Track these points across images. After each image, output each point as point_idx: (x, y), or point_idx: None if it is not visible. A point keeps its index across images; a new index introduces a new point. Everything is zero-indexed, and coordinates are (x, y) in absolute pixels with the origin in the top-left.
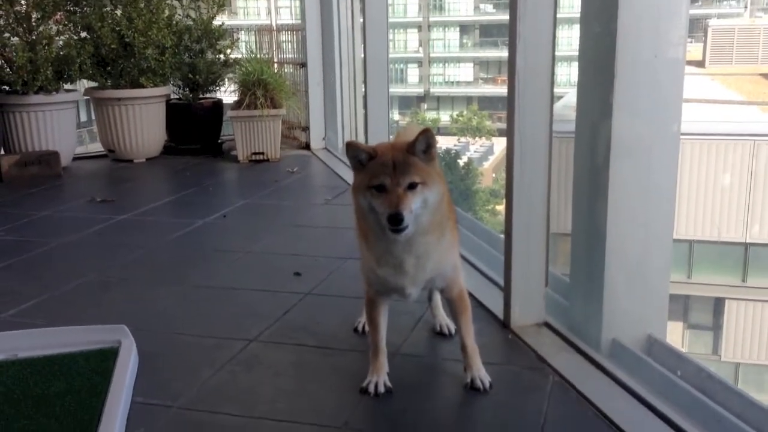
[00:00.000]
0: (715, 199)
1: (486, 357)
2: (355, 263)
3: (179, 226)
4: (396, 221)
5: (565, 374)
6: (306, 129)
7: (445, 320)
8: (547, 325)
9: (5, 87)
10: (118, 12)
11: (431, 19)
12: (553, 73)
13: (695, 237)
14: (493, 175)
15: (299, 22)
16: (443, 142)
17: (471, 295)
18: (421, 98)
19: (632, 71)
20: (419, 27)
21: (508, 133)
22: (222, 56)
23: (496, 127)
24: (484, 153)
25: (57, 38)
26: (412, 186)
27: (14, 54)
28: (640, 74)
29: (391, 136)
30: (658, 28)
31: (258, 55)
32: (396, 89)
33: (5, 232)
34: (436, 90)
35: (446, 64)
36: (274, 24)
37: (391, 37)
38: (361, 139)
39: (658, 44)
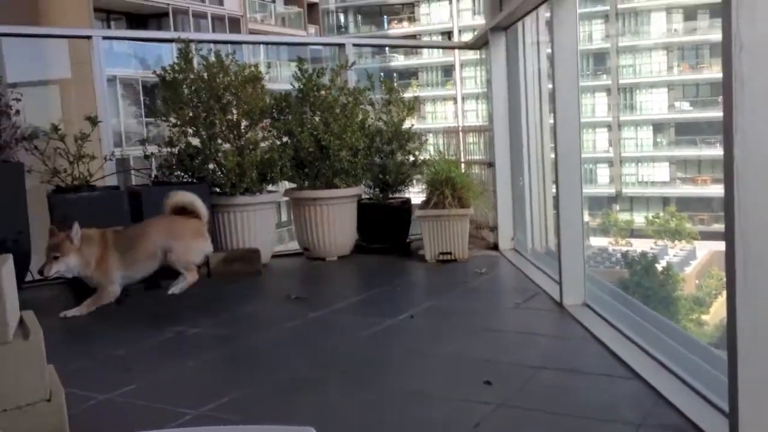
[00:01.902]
0: None
1: None
2: (552, 372)
3: (368, 325)
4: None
5: None
6: (494, 229)
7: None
8: None
9: (216, 189)
10: (317, 118)
11: (621, 118)
12: None
13: None
14: (697, 281)
15: (485, 123)
16: (638, 245)
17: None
18: (613, 199)
19: None
20: (608, 126)
21: (727, 238)
22: (411, 157)
23: (698, 229)
24: (685, 257)
25: (262, 143)
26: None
27: (225, 159)
28: None
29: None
30: None
31: (446, 156)
32: (586, 189)
33: (210, 326)
34: (628, 190)
35: (639, 164)
36: (460, 126)
37: None
38: (551, 243)
39: None
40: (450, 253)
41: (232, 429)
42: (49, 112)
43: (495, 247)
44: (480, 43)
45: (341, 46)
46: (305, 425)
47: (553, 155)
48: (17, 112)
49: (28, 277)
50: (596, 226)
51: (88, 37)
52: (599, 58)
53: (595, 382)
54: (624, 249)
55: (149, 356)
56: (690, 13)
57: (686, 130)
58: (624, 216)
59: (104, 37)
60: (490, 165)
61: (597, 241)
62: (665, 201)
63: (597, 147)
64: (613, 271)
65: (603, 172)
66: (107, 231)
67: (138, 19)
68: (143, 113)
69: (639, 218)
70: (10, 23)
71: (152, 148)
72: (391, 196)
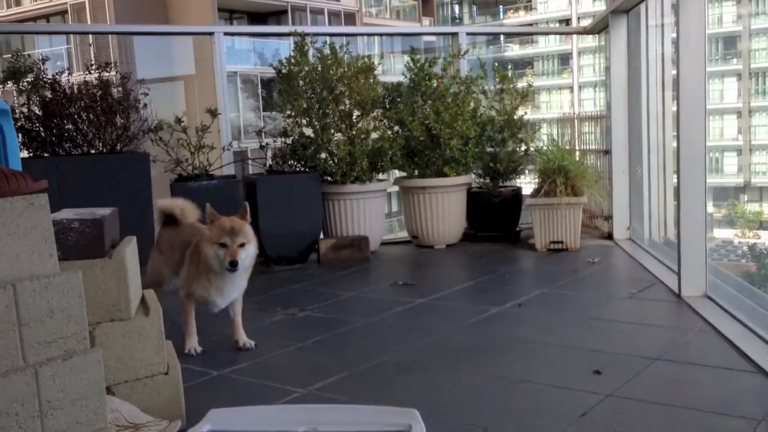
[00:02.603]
0: None
1: None
2: (667, 364)
3: (474, 312)
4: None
5: None
6: (609, 218)
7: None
8: None
9: (328, 177)
10: (427, 107)
11: (753, 104)
12: None
13: None
14: None
15: (603, 111)
16: (766, 238)
17: None
18: (741, 189)
19: None
20: (738, 113)
21: None
22: (523, 146)
23: None
24: None
25: (373, 133)
26: (242, 245)
27: (336, 148)
28: None
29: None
30: None
31: (560, 144)
32: (711, 179)
33: (319, 309)
34: (758, 180)
35: None
36: (576, 114)
37: None
38: (671, 233)
39: None
40: (561, 242)
41: (337, 408)
42: (174, 106)
43: (609, 236)
44: (599, 27)
45: (454, 35)
46: (409, 407)
47: (674, 144)
48: (145, 106)
49: None
50: (721, 217)
51: (210, 34)
52: (729, 42)
53: (714, 376)
54: (751, 242)
55: (261, 337)
56: None
57: None
58: (753, 207)
59: (225, 33)
60: (606, 153)
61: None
62: None
63: (725, 135)
64: (738, 264)
65: (730, 161)
66: None
67: (258, 17)
68: (260, 107)
69: None
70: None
71: (268, 140)
72: (501, 184)
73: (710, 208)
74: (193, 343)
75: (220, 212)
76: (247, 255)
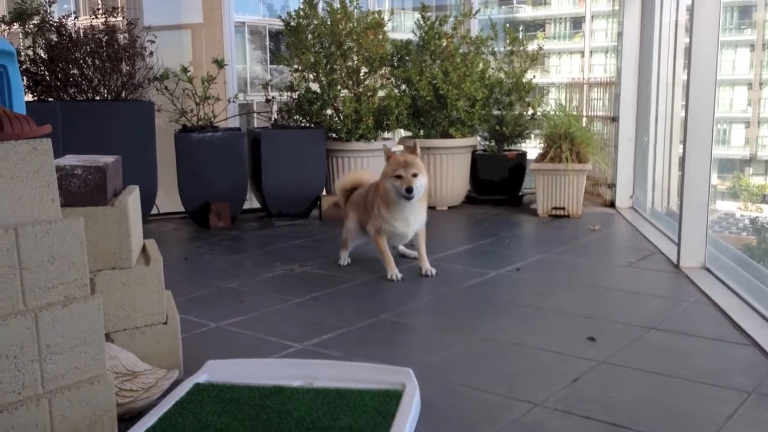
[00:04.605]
0: None
1: None
2: (661, 334)
3: (473, 275)
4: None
5: None
6: (612, 186)
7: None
8: None
9: (333, 134)
10: (436, 67)
11: (765, 76)
12: None
13: None
14: None
15: (612, 76)
16: None
17: None
18: (747, 162)
19: None
20: (749, 84)
21: None
22: (530, 110)
23: None
24: None
25: (380, 91)
26: (414, 175)
27: (343, 105)
28: None
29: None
30: None
31: (567, 110)
32: (717, 151)
33: (318, 266)
34: (765, 153)
35: None
36: (585, 79)
37: None
38: (673, 204)
39: None
40: (563, 208)
41: (333, 364)
42: (180, 55)
43: (611, 204)
44: None
45: None
46: (403, 366)
47: (683, 113)
48: (151, 53)
49: (153, 210)
50: (725, 189)
51: None
52: (745, 11)
53: (707, 346)
54: (753, 215)
55: (260, 291)
56: None
57: None
58: (758, 180)
59: None
60: (614, 120)
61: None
62: None
63: (734, 106)
64: (739, 237)
65: (738, 133)
66: None
67: None
68: (268, 59)
69: None
70: None
71: (274, 94)
72: (506, 148)
73: (714, 180)
74: (393, 271)
75: (223, 166)
76: (421, 184)
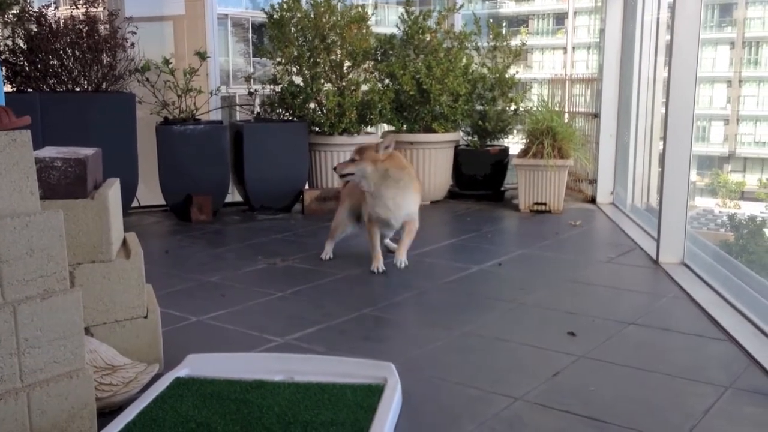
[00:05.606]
0: None
1: None
2: (640, 329)
3: (455, 270)
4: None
5: None
6: (593, 182)
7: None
8: None
9: (316, 128)
10: (419, 62)
11: (744, 74)
12: None
13: None
14: None
15: (594, 73)
16: (747, 208)
17: None
18: (725, 159)
19: None
20: (728, 82)
21: None
22: (513, 105)
23: None
24: None
25: (363, 85)
26: (352, 160)
27: (326, 98)
28: None
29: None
30: None
31: (549, 106)
32: (696, 148)
33: (300, 260)
34: (743, 150)
35: (758, 123)
36: (567, 75)
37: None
38: (653, 200)
39: None
40: (545, 204)
41: (314, 358)
42: (162, 47)
43: (592, 200)
44: None
45: None
46: (385, 361)
47: (663, 110)
48: (132, 45)
49: (134, 203)
50: (704, 186)
51: None
52: (725, 9)
53: (685, 342)
54: (731, 211)
55: (241, 285)
56: None
57: None
58: (736, 177)
59: None
60: (595, 116)
61: (703, 202)
62: None
63: (713, 104)
64: (717, 233)
65: (717, 131)
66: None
67: None
68: (251, 52)
69: (752, 180)
70: None
71: (257, 86)
72: (489, 143)
73: (693, 177)
74: (378, 263)
75: (205, 159)
76: (359, 169)
